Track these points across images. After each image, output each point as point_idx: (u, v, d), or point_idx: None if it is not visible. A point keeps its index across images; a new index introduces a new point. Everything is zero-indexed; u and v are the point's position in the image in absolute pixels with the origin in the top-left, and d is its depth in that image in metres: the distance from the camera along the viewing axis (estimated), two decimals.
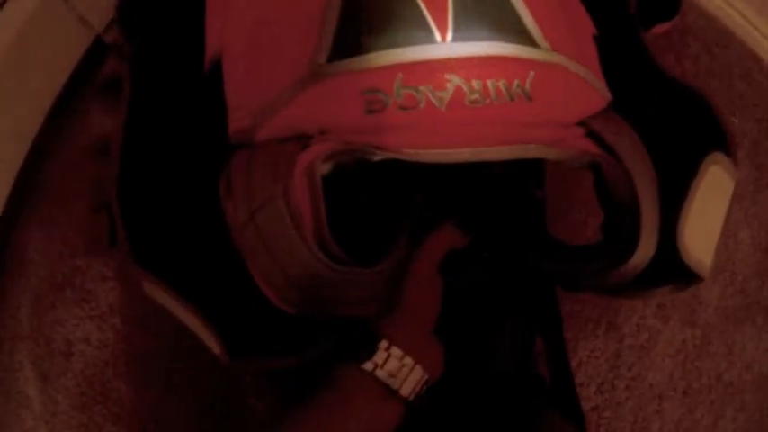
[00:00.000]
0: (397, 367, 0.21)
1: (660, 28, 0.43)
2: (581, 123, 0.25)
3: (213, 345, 0.22)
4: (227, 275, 0.22)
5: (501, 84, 0.23)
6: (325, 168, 0.22)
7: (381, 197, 0.26)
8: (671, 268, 0.24)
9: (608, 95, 0.26)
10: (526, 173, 0.26)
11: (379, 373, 0.21)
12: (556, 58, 0.24)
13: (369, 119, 0.22)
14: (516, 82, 0.23)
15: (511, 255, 0.26)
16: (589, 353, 0.39)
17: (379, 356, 0.21)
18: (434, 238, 0.24)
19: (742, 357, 0.42)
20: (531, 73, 0.24)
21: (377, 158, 0.22)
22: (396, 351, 0.21)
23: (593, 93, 0.26)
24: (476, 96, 0.23)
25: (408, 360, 0.21)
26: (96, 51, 0.39)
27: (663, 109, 0.28)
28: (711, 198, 0.25)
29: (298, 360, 0.23)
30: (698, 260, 0.24)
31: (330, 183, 0.22)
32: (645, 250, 0.23)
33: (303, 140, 0.22)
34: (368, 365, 0.21)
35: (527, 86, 0.23)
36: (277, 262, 0.21)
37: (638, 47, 0.31)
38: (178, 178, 0.24)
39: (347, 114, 0.22)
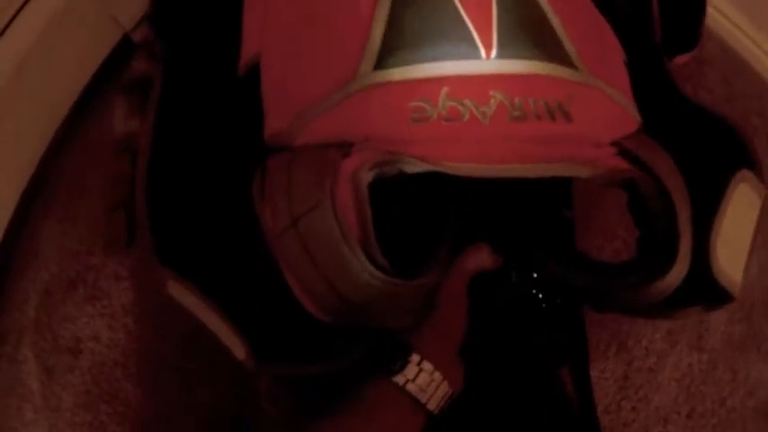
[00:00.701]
0: (428, 382, 0.21)
1: (681, 59, 0.44)
2: (614, 143, 0.25)
3: (237, 349, 0.22)
4: (256, 278, 0.22)
5: (542, 102, 0.24)
6: (369, 177, 0.21)
7: (418, 210, 0.26)
8: (703, 287, 0.24)
9: (639, 118, 0.27)
10: (557, 193, 0.26)
11: (410, 387, 0.21)
12: (592, 80, 0.25)
13: (414, 128, 0.22)
14: (557, 102, 0.24)
15: (542, 273, 0.26)
16: (599, 373, 0.39)
17: (411, 370, 0.21)
18: (467, 257, 0.24)
19: (745, 384, 0.43)
20: (571, 94, 0.24)
21: (418, 170, 0.22)
22: (427, 366, 0.21)
23: (626, 115, 0.27)
24: (518, 113, 0.23)
25: (438, 375, 0.21)
26: (123, 50, 0.39)
27: (691, 131, 0.28)
28: (740, 216, 0.25)
29: (327, 368, 0.23)
30: (729, 278, 0.24)
31: (377, 190, 0.22)
32: (681, 266, 0.23)
33: (345, 148, 0.22)
34: (399, 379, 0.21)
35: (567, 107, 0.24)
36: (320, 271, 0.20)
37: (664, 74, 0.32)
38: (208, 180, 0.24)
39: (393, 123, 0.22)
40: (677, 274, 0.23)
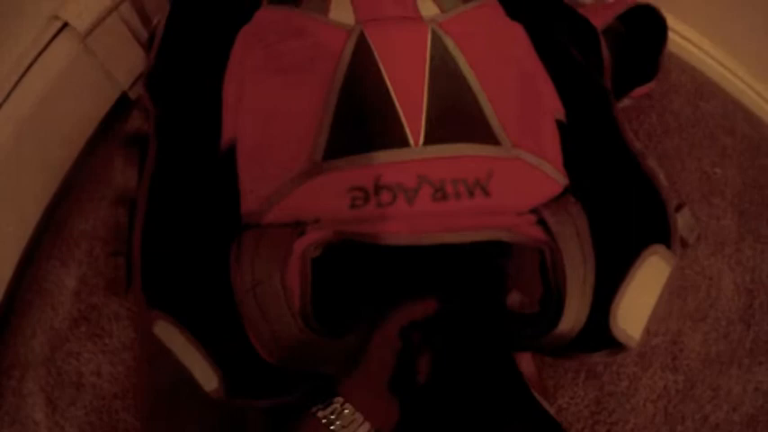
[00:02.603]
0: (349, 420, 0.26)
1: (640, 90, 0.46)
2: (533, 210, 0.28)
3: (210, 381, 0.27)
4: (228, 327, 0.26)
5: (462, 182, 0.27)
6: (316, 252, 0.26)
7: (361, 274, 0.29)
8: (602, 339, 0.28)
9: (563, 181, 0.30)
10: (488, 246, 0.29)
11: (334, 426, 0.25)
12: (515, 153, 0.28)
13: (352, 212, 0.26)
14: (476, 179, 0.27)
15: (471, 318, 0.29)
16: (569, 399, 0.40)
17: (334, 408, 0.26)
18: (401, 310, 0.28)
19: (728, 400, 0.43)
20: (491, 169, 0.28)
21: (356, 245, 0.26)
22: (348, 407, 0.26)
23: (549, 181, 0.30)
24: (439, 194, 0.27)
25: (358, 415, 0.26)
26: (121, 105, 0.42)
27: (616, 194, 0.31)
28: (647, 282, 0.29)
29: (277, 402, 0.27)
30: (626, 335, 0.28)
31: (321, 259, 0.26)
32: (569, 323, 0.27)
33: (300, 227, 0.26)
34: (324, 414, 0.25)
35: (486, 183, 0.27)
36: (268, 325, 0.25)
37: (606, 124, 0.35)
38: (194, 242, 0.28)
39: (335, 208, 0.26)
40: (565, 329, 0.27)
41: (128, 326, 0.39)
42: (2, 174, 0.36)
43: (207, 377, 0.26)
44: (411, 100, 0.28)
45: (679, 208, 0.45)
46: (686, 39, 0.54)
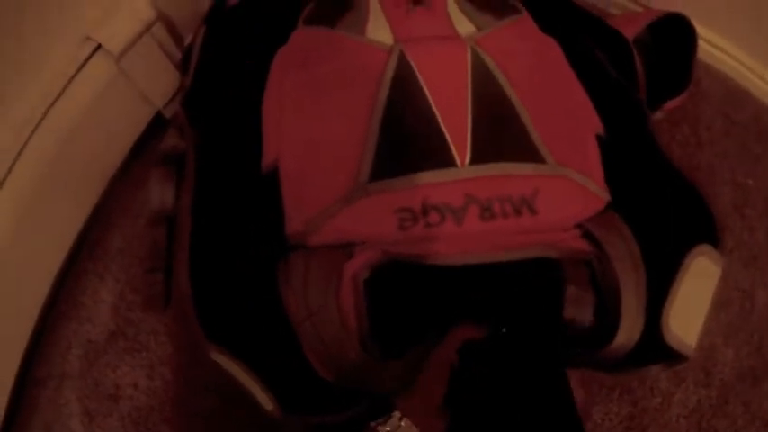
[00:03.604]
0: None
1: (673, 103, 0.45)
2: (579, 225, 0.28)
3: (266, 402, 0.27)
4: (282, 350, 0.27)
5: (509, 201, 0.27)
6: (366, 274, 0.27)
7: (416, 295, 0.29)
8: (656, 349, 0.28)
9: (606, 197, 0.30)
10: (545, 263, 0.29)
11: None
12: (560, 171, 0.29)
13: (401, 233, 0.27)
14: (522, 198, 0.27)
15: (527, 337, 0.29)
16: (603, 416, 0.40)
17: (393, 423, 0.26)
18: (458, 331, 0.28)
19: (759, 415, 0.43)
20: (537, 187, 0.28)
21: (407, 266, 0.27)
22: (406, 421, 0.26)
23: (592, 197, 0.30)
24: (488, 214, 0.27)
25: (415, 429, 0.26)
26: (155, 124, 0.43)
27: (658, 203, 0.31)
28: (697, 285, 0.28)
29: (335, 419, 0.28)
30: (681, 341, 0.28)
31: (374, 282, 0.26)
32: (626, 333, 0.27)
33: (348, 249, 0.27)
34: (383, 429, 0.26)
35: (532, 201, 0.28)
36: (326, 348, 0.26)
37: (644, 138, 0.34)
38: (241, 266, 0.29)
39: (383, 229, 0.27)
40: (624, 339, 0.27)
41: (165, 341, 0.40)
42: (39, 193, 0.37)
43: (264, 399, 0.27)
44: (456, 120, 0.28)
45: None
46: (715, 46, 0.53)
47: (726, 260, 0.44)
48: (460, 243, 0.27)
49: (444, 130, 0.28)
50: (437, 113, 0.28)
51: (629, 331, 0.27)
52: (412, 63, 0.29)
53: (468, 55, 0.30)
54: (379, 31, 0.31)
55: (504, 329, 0.28)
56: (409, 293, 0.28)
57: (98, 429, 0.39)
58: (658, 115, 0.45)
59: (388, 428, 0.26)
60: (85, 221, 0.42)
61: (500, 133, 0.29)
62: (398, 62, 0.29)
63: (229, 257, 0.29)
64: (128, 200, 0.43)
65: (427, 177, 0.27)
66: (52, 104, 0.37)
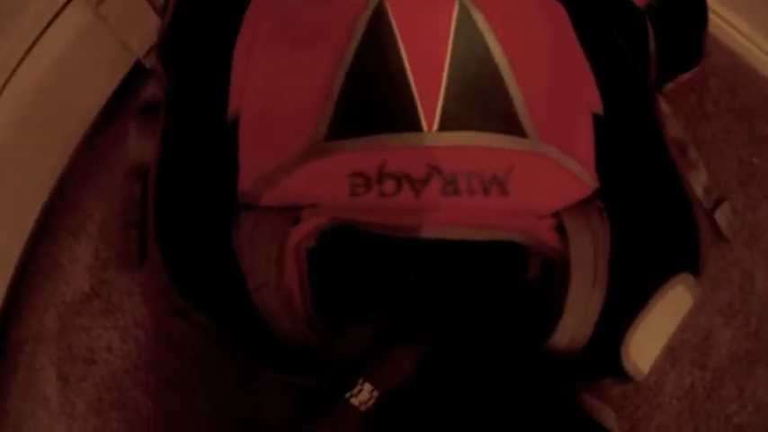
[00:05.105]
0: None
1: (685, 77, 0.43)
2: (555, 214, 0.26)
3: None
4: (241, 307, 0.26)
5: (477, 176, 0.24)
6: (312, 243, 0.25)
7: (363, 266, 0.28)
8: (611, 366, 0.26)
9: (593, 184, 0.27)
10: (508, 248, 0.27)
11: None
12: (541, 147, 0.25)
13: (352, 200, 0.24)
14: (492, 174, 0.25)
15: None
16: (597, 395, 0.39)
17: (364, 396, 0.26)
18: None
19: (753, 400, 0.42)
20: (512, 164, 0.25)
21: (359, 232, 0.25)
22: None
23: (576, 183, 0.27)
24: (450, 188, 0.24)
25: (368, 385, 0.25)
26: (136, 75, 0.41)
27: (647, 209, 0.29)
28: (667, 314, 0.27)
29: (308, 381, 0.27)
30: (635, 366, 0.26)
31: (322, 250, 0.25)
32: (564, 339, 0.25)
33: (296, 212, 0.25)
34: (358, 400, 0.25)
35: (504, 179, 0.25)
36: (276, 323, 0.25)
37: (647, 124, 0.32)
38: (201, 223, 0.28)
39: (334, 194, 0.25)
40: (561, 343, 0.25)
41: (140, 302, 0.38)
42: (12, 145, 0.35)
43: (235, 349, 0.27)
44: (428, 78, 0.25)
45: (719, 203, 0.43)
46: (726, 21, 0.51)
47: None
48: (416, 216, 0.25)
49: (414, 89, 0.25)
50: (408, 69, 0.25)
51: (567, 338, 0.25)
52: (390, 12, 0.26)
53: (456, 8, 0.26)
54: None
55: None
56: (354, 264, 0.27)
57: (72, 395, 0.38)
58: (670, 86, 0.43)
59: (361, 400, 0.25)
60: (61, 176, 0.41)
61: (478, 98, 0.25)
62: (375, 10, 0.26)
63: (188, 210, 0.28)
64: (107, 154, 0.41)
65: (388, 140, 0.24)
66: (28, 51, 0.35)
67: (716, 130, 0.47)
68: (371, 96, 0.25)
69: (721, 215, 0.43)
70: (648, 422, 0.39)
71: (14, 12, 0.33)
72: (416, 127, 0.24)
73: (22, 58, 0.35)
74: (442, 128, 0.24)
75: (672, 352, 0.40)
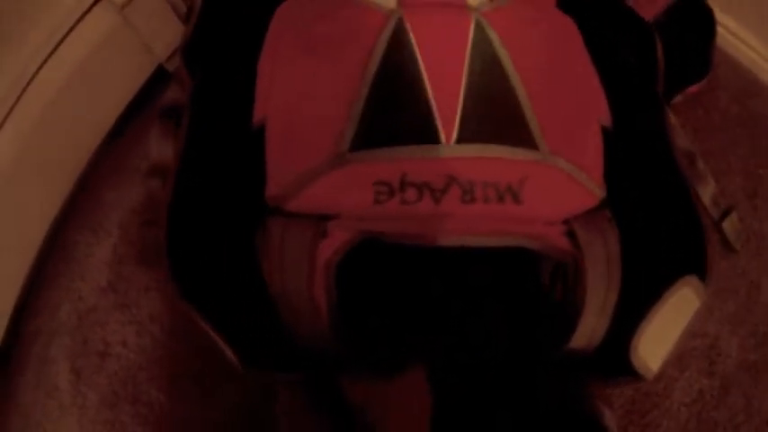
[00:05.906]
0: None
1: (692, 89, 0.44)
2: (566, 221, 0.27)
3: (230, 355, 0.28)
4: (254, 307, 0.26)
5: (493, 186, 0.26)
6: (338, 258, 0.26)
7: (392, 277, 0.28)
8: (622, 364, 0.27)
9: (600, 194, 0.29)
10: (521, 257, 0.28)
11: None
12: (551, 160, 0.27)
13: (376, 207, 0.26)
14: (507, 184, 0.26)
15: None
16: (601, 401, 0.39)
17: None
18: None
19: (761, 411, 0.42)
20: (525, 175, 0.26)
21: (380, 247, 0.26)
22: None
23: (584, 193, 0.28)
24: (468, 197, 0.26)
25: None
26: (158, 78, 0.42)
27: (654, 215, 0.30)
28: (675, 314, 0.28)
29: (296, 377, 0.28)
30: (645, 365, 0.27)
31: (347, 261, 0.26)
32: (584, 339, 0.26)
33: (323, 224, 0.26)
34: None
35: (517, 188, 0.26)
36: (300, 330, 0.26)
37: (656, 137, 0.32)
38: (219, 224, 0.28)
39: (359, 201, 0.26)
40: (580, 344, 0.26)
41: (156, 297, 0.39)
42: (35, 142, 0.36)
43: (228, 352, 0.27)
44: (446, 94, 0.27)
45: (727, 213, 0.43)
46: (733, 34, 0.52)
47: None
48: (435, 224, 0.26)
49: (433, 104, 0.26)
50: (427, 85, 0.27)
51: (585, 338, 0.26)
52: (409, 29, 0.28)
53: (472, 26, 0.28)
54: None
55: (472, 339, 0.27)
56: (379, 274, 0.27)
57: (84, 387, 0.38)
58: (678, 98, 0.44)
59: None
60: (82, 174, 0.42)
61: (493, 113, 0.27)
62: (395, 27, 0.28)
63: (206, 213, 0.28)
64: (127, 154, 0.42)
65: (409, 152, 0.26)
66: (53, 52, 0.36)
67: (723, 142, 0.48)
68: (393, 110, 0.27)
69: (729, 225, 0.44)
70: (656, 428, 0.39)
71: (40, 12, 0.34)
72: (435, 139, 0.26)
73: (47, 58, 0.36)
74: (459, 140, 0.26)
75: (680, 359, 0.41)
